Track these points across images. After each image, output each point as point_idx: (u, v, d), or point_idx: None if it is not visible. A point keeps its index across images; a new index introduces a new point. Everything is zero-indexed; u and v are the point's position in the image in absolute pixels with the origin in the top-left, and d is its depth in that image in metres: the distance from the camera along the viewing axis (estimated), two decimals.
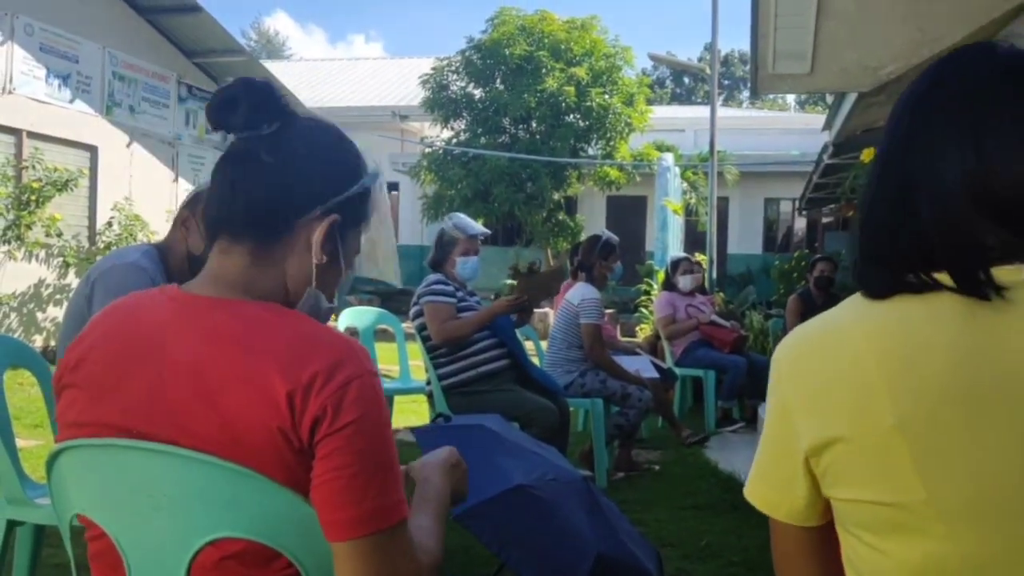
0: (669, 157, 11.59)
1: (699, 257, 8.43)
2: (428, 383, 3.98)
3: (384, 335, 5.84)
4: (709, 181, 10.37)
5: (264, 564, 1.04)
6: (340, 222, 1.16)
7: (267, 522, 1.02)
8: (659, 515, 3.86)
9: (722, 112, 16.14)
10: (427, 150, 16.38)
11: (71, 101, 8.75)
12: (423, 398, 4.44)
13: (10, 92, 8.07)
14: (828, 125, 9.52)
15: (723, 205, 17.59)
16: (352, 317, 5.05)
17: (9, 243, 7.73)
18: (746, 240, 19.38)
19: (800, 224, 20.13)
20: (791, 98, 38.62)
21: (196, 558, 1.03)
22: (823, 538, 0.94)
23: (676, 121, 21.20)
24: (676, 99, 41.24)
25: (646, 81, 17.34)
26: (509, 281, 15.02)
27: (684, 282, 6.34)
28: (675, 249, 10.04)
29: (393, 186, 18.99)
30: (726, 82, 42.20)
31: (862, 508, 0.86)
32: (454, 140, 16.05)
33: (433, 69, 15.97)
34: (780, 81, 6.11)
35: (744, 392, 6.17)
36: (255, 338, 1.05)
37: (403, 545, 1.06)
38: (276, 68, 16.30)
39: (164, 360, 1.06)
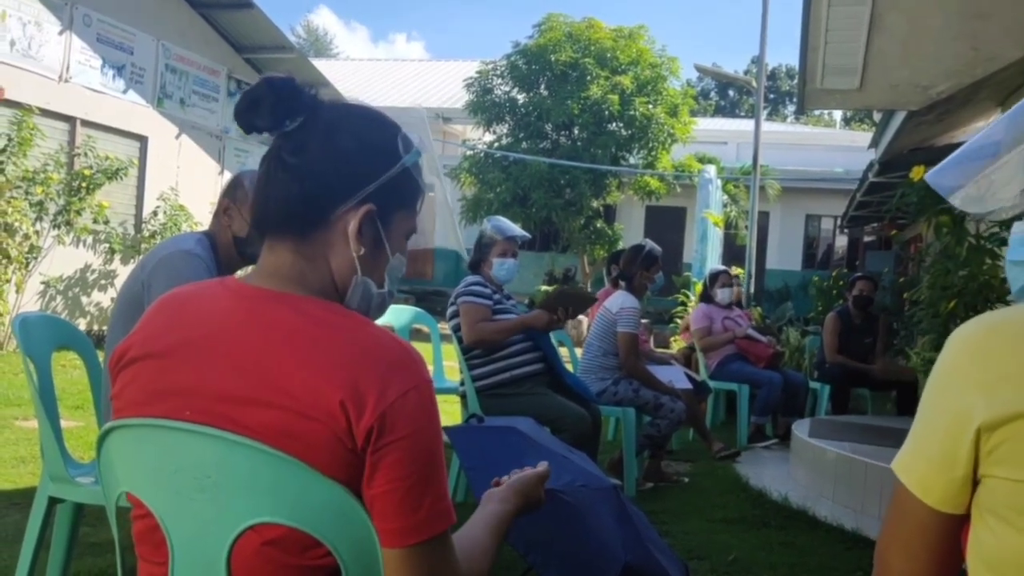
0: (711, 169, 11.51)
1: (737, 271, 8.36)
2: (462, 384, 4.00)
3: (419, 335, 5.88)
4: (751, 195, 10.30)
5: (302, 552, 1.06)
6: (380, 208, 1.15)
7: (308, 510, 1.04)
8: (687, 527, 3.84)
9: (766, 126, 16.01)
10: (468, 153, 16.44)
11: (124, 91, 8.94)
12: (456, 398, 4.45)
13: (66, 80, 8.26)
14: (875, 143, 9.40)
15: (764, 219, 17.45)
16: (388, 316, 5.09)
17: (59, 228, 7.90)
18: (785, 256, 19.19)
19: (841, 242, 19.89)
20: (837, 115, 38.17)
21: (237, 542, 1.04)
22: (954, 530, 0.96)
23: (719, 133, 21.07)
24: (720, 112, 40.94)
25: (691, 92, 17.27)
26: (543, 287, 15.05)
27: (722, 295, 6.30)
28: (713, 262, 9.97)
29: (429, 187, 19.08)
30: (772, 96, 41.80)
31: None
32: (495, 144, 16.09)
33: (478, 72, 16.04)
34: (828, 96, 6.06)
35: (778, 409, 6.11)
36: (315, 339, 1.06)
37: (450, 550, 1.09)
38: (322, 66, 16.48)
39: (222, 349, 1.08)
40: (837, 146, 20.48)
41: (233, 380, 1.06)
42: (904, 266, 12.44)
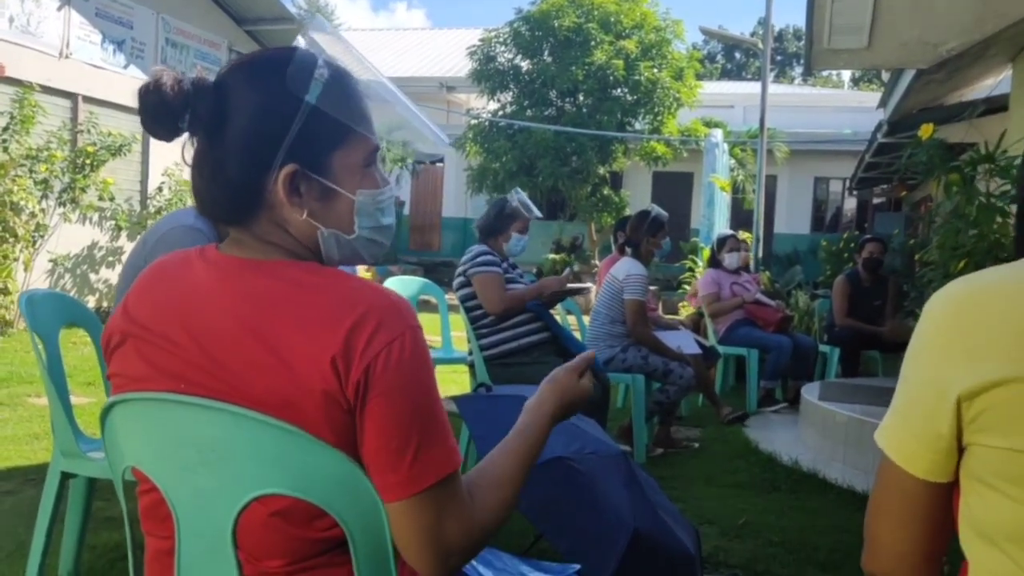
0: (718, 133, 11.40)
1: (745, 235, 8.32)
2: (470, 353, 4.01)
3: (426, 305, 5.87)
4: (758, 158, 10.20)
5: (309, 522, 1.06)
6: (308, 158, 1.08)
7: (313, 480, 1.03)
8: (697, 492, 3.85)
9: (773, 88, 15.83)
10: (472, 122, 16.34)
11: (125, 67, 8.88)
12: (465, 368, 4.47)
13: (67, 57, 8.21)
14: (883, 103, 9.29)
15: (771, 183, 17.34)
16: (396, 287, 5.09)
17: (64, 206, 7.90)
18: (794, 219, 19.08)
19: (850, 204, 19.77)
20: (845, 76, 37.78)
21: (243, 514, 1.04)
22: (943, 498, 0.94)
23: (726, 97, 20.88)
24: (726, 75, 40.53)
25: (696, 56, 17.05)
26: (551, 256, 15.02)
27: (730, 260, 6.27)
28: (721, 227, 9.91)
29: (438, 158, 19.01)
30: (779, 58, 41.34)
31: (1015, 457, 0.85)
32: (500, 112, 15.98)
33: (481, 40, 15.88)
34: (835, 56, 5.97)
35: (788, 373, 6.10)
36: (297, 302, 1.05)
37: (456, 495, 1.06)
38: (320, 38, 16.34)
39: (209, 321, 1.07)
40: (845, 107, 20.27)
41: (223, 351, 1.05)
42: (914, 227, 12.35)
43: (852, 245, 9.72)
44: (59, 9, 8.11)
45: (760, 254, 9.63)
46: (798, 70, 42.21)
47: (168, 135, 1.09)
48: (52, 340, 2.40)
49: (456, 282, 3.96)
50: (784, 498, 3.87)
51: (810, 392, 5.16)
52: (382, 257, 1.18)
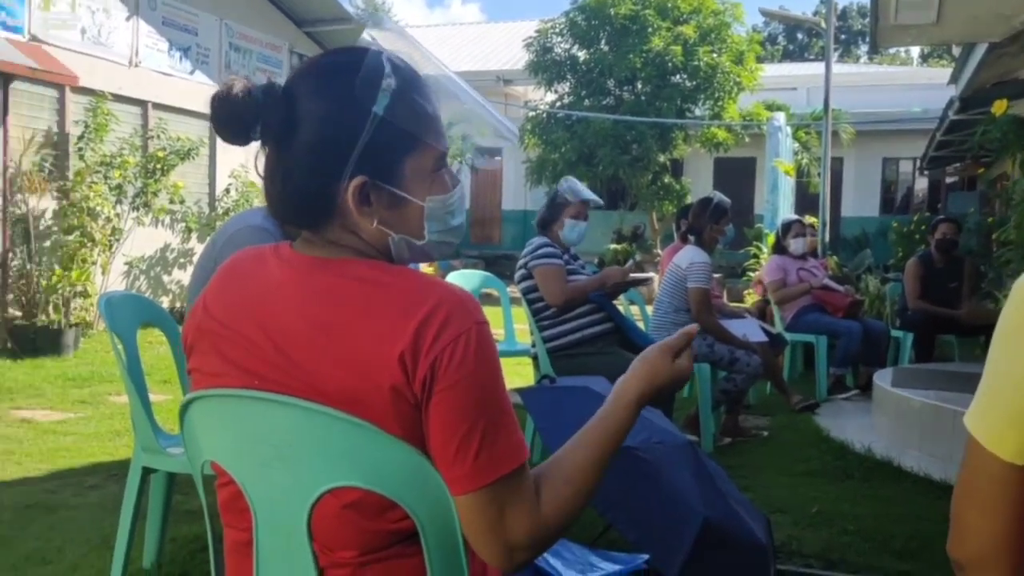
0: (780, 116, 11.17)
1: (811, 220, 8.14)
2: (533, 346, 4.01)
3: (488, 299, 5.90)
4: (823, 141, 9.96)
5: (380, 514, 1.07)
6: (377, 168, 1.09)
7: (383, 473, 1.05)
8: (768, 481, 3.80)
9: (838, 68, 15.46)
10: (530, 114, 16.32)
11: (191, 73, 9.12)
12: (528, 360, 4.47)
13: (136, 65, 8.46)
14: (954, 79, 8.98)
15: (837, 166, 16.94)
16: (458, 281, 5.13)
17: (138, 210, 8.15)
18: (862, 202, 18.61)
19: (921, 184, 19.19)
20: (914, 52, 36.62)
21: (316, 506, 1.07)
22: None
23: (788, 79, 20.44)
24: (788, 56, 39.65)
25: (757, 38, 16.75)
26: (612, 246, 14.93)
27: (796, 245, 6.15)
28: (785, 212, 9.72)
29: (496, 151, 19.06)
30: (843, 37, 40.28)
31: None
32: (558, 103, 15.94)
33: (537, 32, 15.85)
34: (903, 33, 5.80)
35: (858, 359, 5.96)
36: (366, 299, 1.07)
37: (522, 489, 1.06)
38: (381, 36, 16.52)
39: (281, 318, 1.09)
40: (914, 84, 19.63)
41: (293, 348, 1.08)
42: (990, 206, 11.92)
43: (924, 226, 9.46)
44: (128, 19, 8.36)
45: (827, 238, 9.42)
46: (863, 48, 41.08)
47: (241, 142, 1.12)
48: (130, 340, 2.49)
49: (518, 275, 3.97)
50: (858, 486, 3.79)
51: (882, 378, 5.04)
52: (451, 254, 1.19)
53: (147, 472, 2.49)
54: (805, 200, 13.98)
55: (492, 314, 1.14)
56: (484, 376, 1.05)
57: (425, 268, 5.83)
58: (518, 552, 1.07)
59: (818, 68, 16.08)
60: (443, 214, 1.16)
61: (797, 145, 14.52)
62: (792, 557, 2.90)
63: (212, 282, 1.20)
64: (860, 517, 3.32)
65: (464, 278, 5.24)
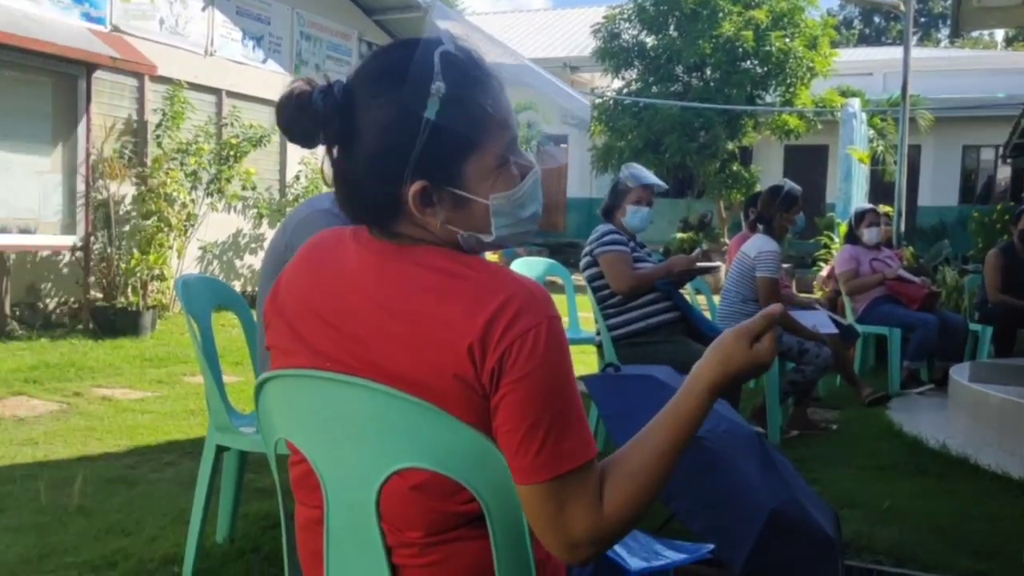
0: (855, 103, 10.87)
1: (885, 209, 7.91)
2: (597, 333, 4.00)
3: (553, 286, 5.90)
4: (900, 127, 9.66)
5: (447, 496, 1.09)
6: (438, 171, 1.09)
7: (450, 456, 1.06)
8: (837, 475, 3.72)
9: (916, 52, 14.93)
10: (597, 101, 16.20)
11: (264, 61, 9.30)
12: (592, 348, 4.46)
13: (211, 54, 8.67)
14: None
15: (914, 153, 16.42)
16: (522, 268, 5.14)
17: (211, 196, 8.37)
18: (940, 191, 18.01)
19: (1004, 173, 18.48)
20: (999, 35, 35.20)
21: (384, 486, 1.08)
22: None
23: (864, 64, 19.88)
24: (864, 40, 38.48)
25: (831, 22, 16.28)
26: (678, 234, 14.75)
27: (869, 235, 5.99)
28: (859, 200, 9.47)
29: (562, 139, 18.99)
30: (922, 20, 38.92)
31: None
32: (625, 90, 15.78)
33: (604, 18, 15.71)
34: (986, 15, 5.58)
35: (934, 352, 5.79)
36: (438, 289, 1.07)
37: (580, 490, 1.05)
38: (447, 24, 16.56)
39: (355, 301, 1.12)
40: (998, 69, 18.90)
41: (368, 331, 1.09)
42: None
43: (1007, 216, 9.11)
44: (203, 10, 8.57)
45: (902, 228, 9.15)
46: (944, 32, 39.61)
47: (308, 147, 1.14)
48: (205, 322, 2.56)
49: (583, 262, 3.96)
50: (932, 483, 3.68)
51: (960, 373, 4.88)
52: (527, 241, 1.18)
53: (220, 450, 2.56)
54: (880, 189, 13.59)
55: (556, 302, 1.14)
56: (553, 371, 1.04)
57: (490, 256, 5.86)
58: (579, 548, 1.06)
59: (896, 52, 15.57)
60: (511, 208, 1.14)
61: (872, 132, 14.11)
62: (861, 553, 2.84)
63: (293, 261, 1.23)
64: (934, 514, 3.23)
65: (528, 266, 5.25)
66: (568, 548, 1.06)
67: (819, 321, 4.75)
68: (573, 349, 1.09)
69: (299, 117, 1.12)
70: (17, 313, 6.85)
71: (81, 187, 6.97)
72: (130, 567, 2.55)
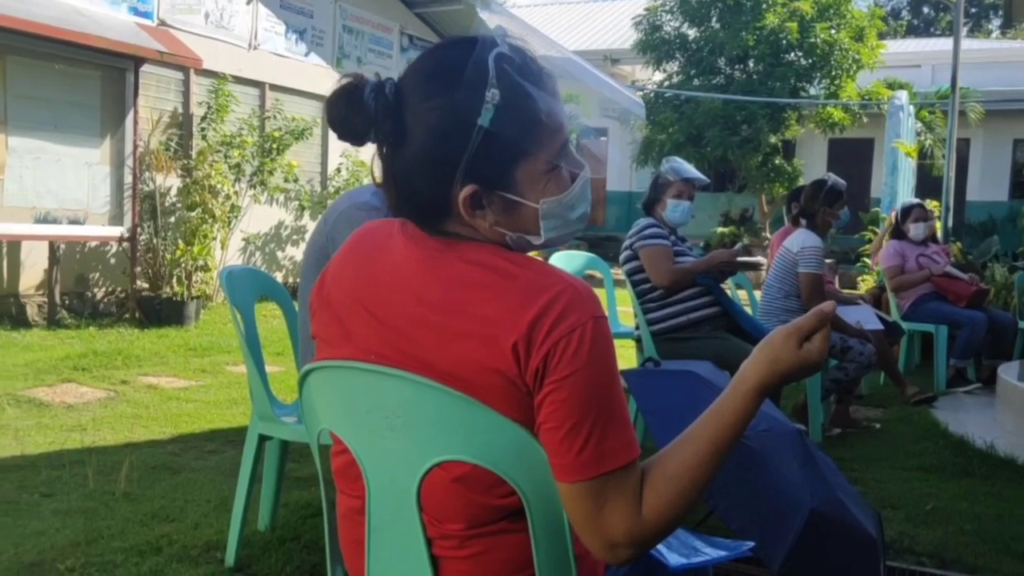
0: (903, 95, 10.65)
1: (933, 204, 7.75)
2: (637, 328, 3.98)
3: (592, 280, 5.87)
4: (948, 121, 9.45)
5: (488, 489, 1.09)
6: (488, 176, 1.08)
7: (491, 449, 1.07)
8: (879, 475, 3.66)
9: (967, 44, 14.58)
10: (638, 93, 16.08)
11: (306, 55, 9.38)
12: (631, 343, 4.44)
13: (255, 48, 8.77)
14: None
15: (963, 147, 16.07)
16: (561, 262, 5.13)
17: (254, 188, 8.48)
18: (989, 186, 17.58)
19: None
20: None
21: (426, 478, 1.09)
22: None
23: (912, 56, 19.46)
24: (913, 32, 37.69)
25: (879, 13, 15.95)
26: (719, 229, 14.60)
27: (916, 231, 5.88)
28: (905, 195, 9.29)
29: (602, 131, 18.89)
30: (973, 10, 37.98)
31: None
32: (666, 83, 15.65)
33: (646, 10, 15.58)
34: None
35: (982, 351, 5.67)
36: (484, 286, 1.08)
37: (619, 491, 1.04)
38: (491, 17, 16.56)
39: (400, 294, 1.12)
40: None
41: (412, 324, 1.10)
42: None
43: None
44: (248, 4, 8.67)
45: (950, 224, 8.95)
46: (996, 22, 38.63)
47: (357, 143, 1.14)
48: (249, 312, 2.59)
49: (623, 256, 3.94)
50: (978, 484, 3.61)
51: (1008, 372, 4.78)
52: (572, 239, 1.18)
53: (263, 439, 2.60)
54: (927, 183, 13.31)
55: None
56: (597, 371, 1.04)
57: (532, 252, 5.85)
58: (618, 549, 1.06)
59: (945, 44, 15.24)
60: (561, 211, 1.14)
61: (920, 125, 13.82)
62: (903, 554, 2.80)
63: (340, 252, 1.23)
64: (979, 516, 3.17)
65: (568, 259, 5.23)
66: (606, 548, 1.06)
67: (863, 317, 4.68)
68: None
69: (349, 115, 1.12)
70: (67, 302, 7.01)
71: (128, 179, 7.10)
72: (174, 553, 2.60)
